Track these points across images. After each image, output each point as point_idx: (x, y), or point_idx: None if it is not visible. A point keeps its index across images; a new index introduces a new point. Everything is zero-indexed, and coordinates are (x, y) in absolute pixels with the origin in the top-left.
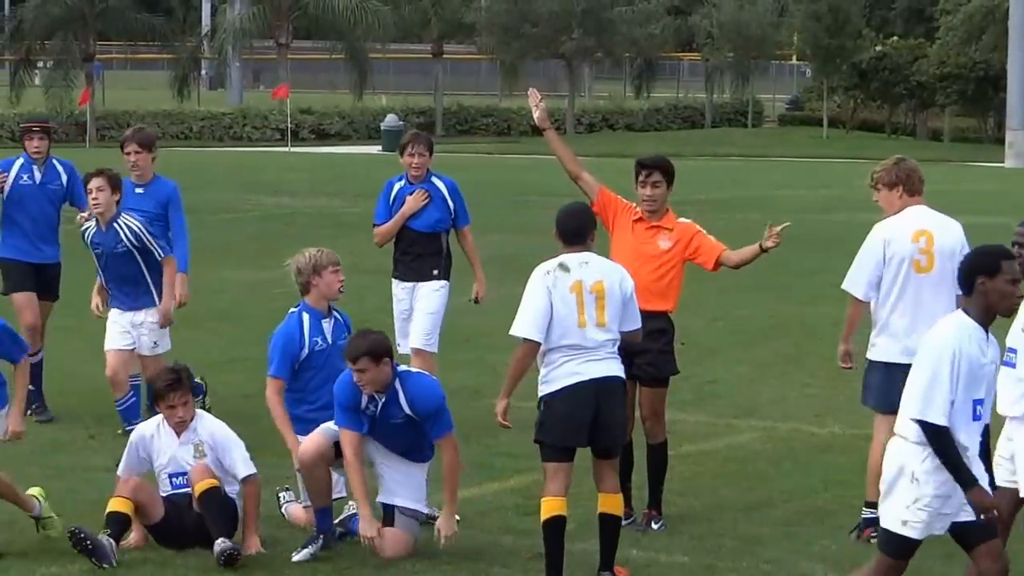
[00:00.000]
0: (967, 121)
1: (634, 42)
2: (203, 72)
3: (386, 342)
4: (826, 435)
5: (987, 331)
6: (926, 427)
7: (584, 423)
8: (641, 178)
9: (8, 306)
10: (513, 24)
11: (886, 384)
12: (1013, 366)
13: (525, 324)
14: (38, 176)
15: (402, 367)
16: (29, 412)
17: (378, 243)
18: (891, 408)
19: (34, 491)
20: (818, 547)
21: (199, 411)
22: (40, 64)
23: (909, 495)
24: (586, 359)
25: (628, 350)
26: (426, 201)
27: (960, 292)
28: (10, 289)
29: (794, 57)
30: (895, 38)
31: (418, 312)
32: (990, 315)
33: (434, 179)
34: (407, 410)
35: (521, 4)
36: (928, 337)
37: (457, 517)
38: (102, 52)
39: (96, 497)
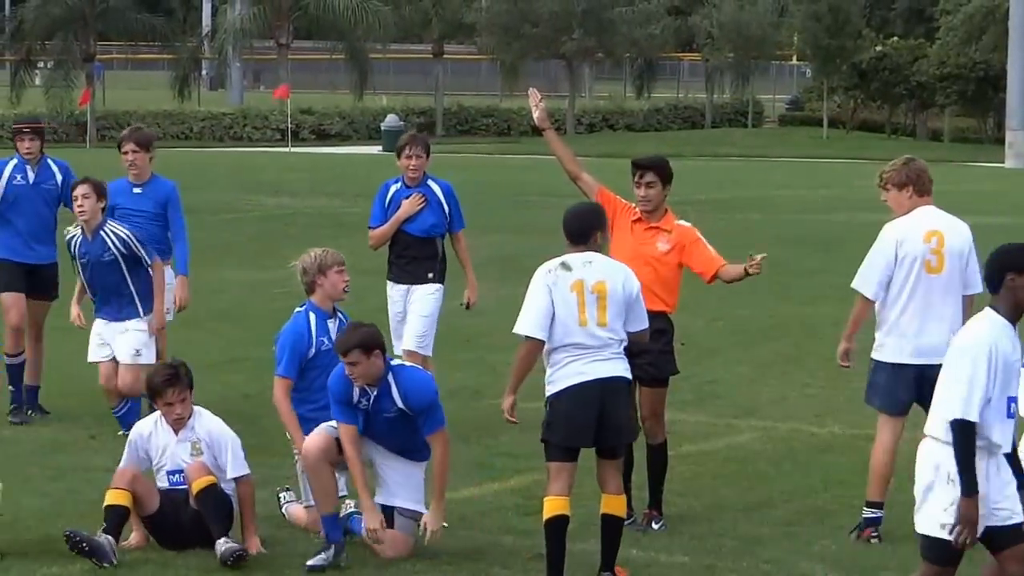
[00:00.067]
0: (967, 121)
1: (634, 42)
2: (204, 72)
3: (377, 335)
4: (826, 435)
5: (1015, 328)
6: (956, 424)
7: (589, 423)
8: (636, 178)
9: None
10: (513, 24)
11: (893, 385)
12: None
13: (526, 322)
14: (32, 176)
15: (395, 361)
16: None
17: (373, 246)
18: (897, 409)
19: None
20: (818, 547)
21: (197, 408)
22: (40, 64)
23: (947, 497)
24: (591, 359)
25: (629, 350)
26: (422, 205)
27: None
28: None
29: (794, 57)
30: (895, 38)
31: (412, 315)
32: (1019, 312)
33: (430, 182)
34: (400, 404)
35: (521, 4)
36: (960, 336)
37: (445, 524)
38: (102, 52)
39: (96, 497)
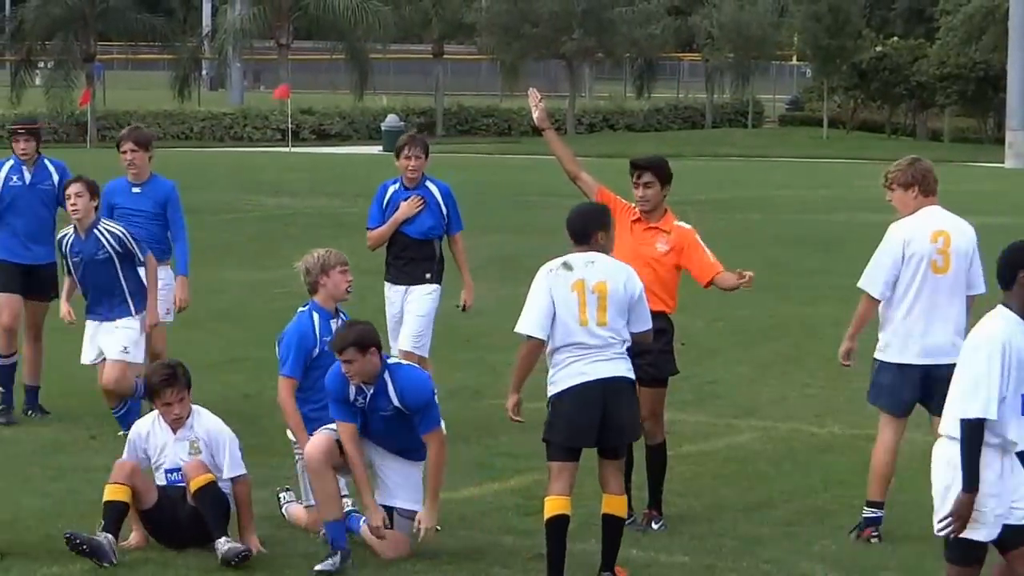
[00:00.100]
0: (967, 121)
1: (634, 42)
2: (204, 72)
3: (372, 333)
4: (826, 435)
5: None
6: (965, 421)
7: (592, 424)
8: (634, 179)
9: None
10: (513, 24)
11: (898, 385)
12: None
13: (527, 321)
14: (28, 177)
15: (392, 359)
16: None
17: (371, 247)
18: (902, 410)
19: None
20: (818, 547)
21: (196, 407)
22: (41, 64)
23: None
24: (593, 359)
25: (630, 350)
26: (420, 208)
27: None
28: None
29: (794, 57)
30: (895, 38)
31: (408, 315)
32: None
33: (428, 183)
34: (396, 402)
35: (521, 4)
36: (974, 334)
37: (439, 527)
38: (103, 52)
39: (97, 497)
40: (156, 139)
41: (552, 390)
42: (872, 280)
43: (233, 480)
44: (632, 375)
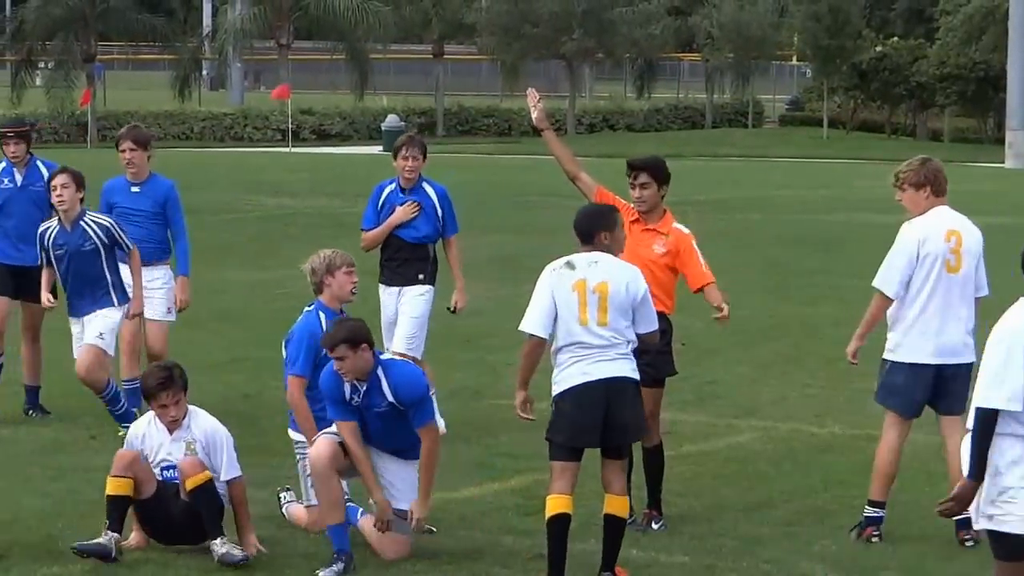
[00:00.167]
0: (967, 121)
1: (634, 43)
2: (204, 73)
3: (364, 329)
4: (826, 435)
5: None
6: (979, 410)
7: (594, 424)
8: (631, 179)
9: None
10: (514, 25)
11: (911, 385)
12: None
13: (529, 320)
14: (19, 179)
15: (386, 355)
16: None
17: (364, 248)
18: (913, 411)
19: None
20: (818, 547)
21: (192, 408)
22: (41, 65)
23: (994, 489)
24: (596, 359)
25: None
26: (415, 214)
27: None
28: None
29: (794, 58)
30: (895, 39)
31: (402, 316)
32: None
33: (425, 184)
34: (390, 397)
35: (521, 5)
36: (997, 327)
37: (433, 528)
38: (103, 53)
39: (97, 497)
40: (155, 139)
41: (555, 389)
42: (887, 280)
43: (229, 482)
44: (636, 375)
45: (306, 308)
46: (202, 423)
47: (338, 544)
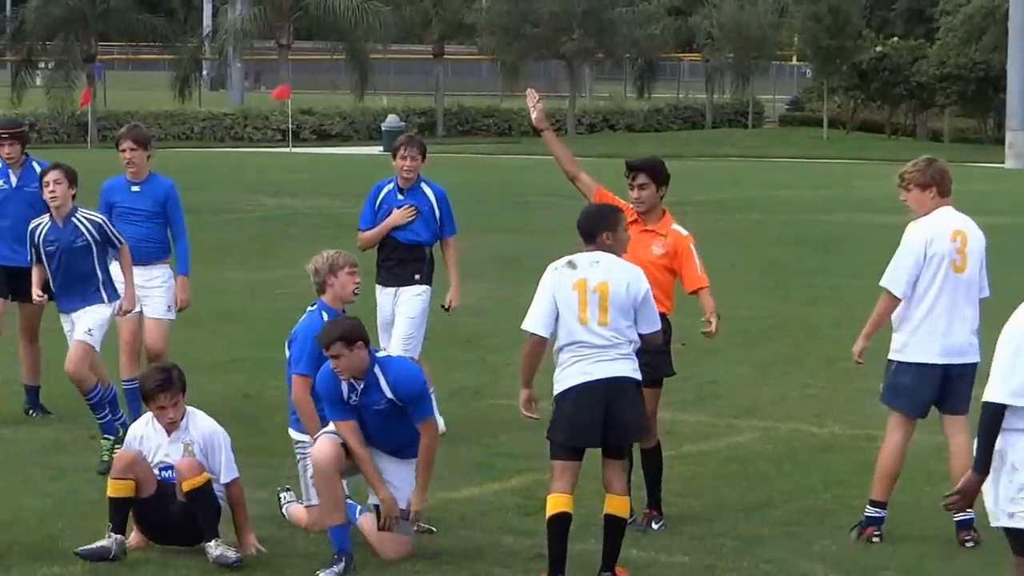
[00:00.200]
0: (967, 122)
1: (635, 43)
2: (204, 73)
3: (359, 327)
4: (826, 435)
5: None
6: (986, 404)
7: (594, 424)
8: (629, 180)
9: None
10: (514, 25)
11: (919, 386)
12: None
13: (530, 319)
14: (14, 180)
15: (382, 353)
16: None
17: (360, 248)
18: (920, 411)
19: None
20: (818, 547)
21: (190, 409)
22: (41, 65)
23: (1012, 487)
24: (596, 359)
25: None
26: (411, 218)
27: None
28: None
29: (794, 58)
30: (895, 39)
31: (399, 316)
32: None
33: (423, 185)
34: (389, 394)
35: (522, 5)
36: (1007, 325)
37: (433, 529)
38: (103, 53)
39: (97, 498)
40: (155, 139)
41: (556, 389)
42: (895, 279)
43: (227, 484)
44: (638, 375)
45: (309, 308)
46: (200, 425)
47: (339, 544)
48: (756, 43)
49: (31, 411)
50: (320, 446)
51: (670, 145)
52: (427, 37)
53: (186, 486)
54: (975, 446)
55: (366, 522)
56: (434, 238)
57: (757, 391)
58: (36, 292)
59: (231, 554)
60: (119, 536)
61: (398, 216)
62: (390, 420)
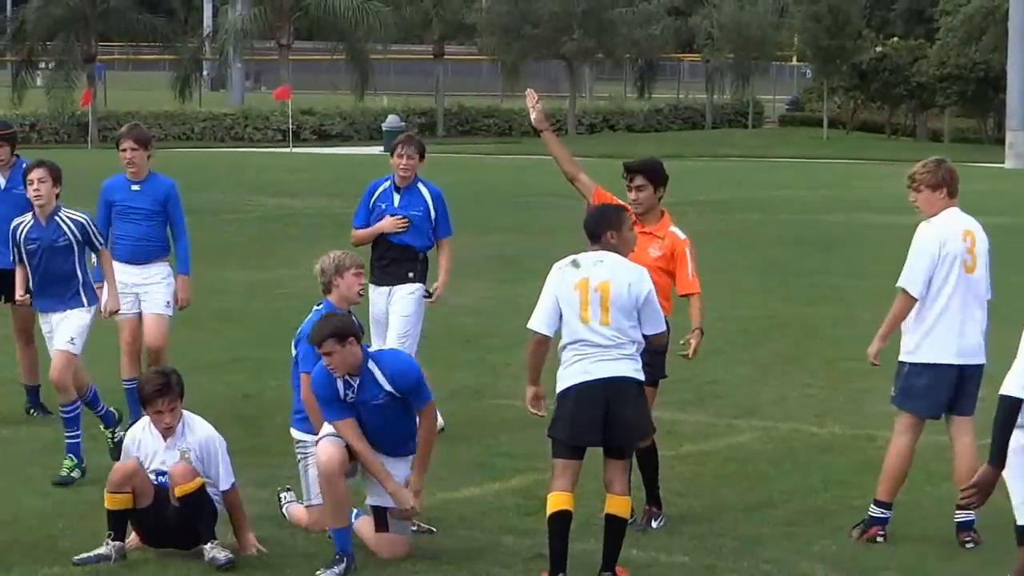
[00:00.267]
0: (967, 122)
1: (635, 43)
2: (205, 73)
3: (351, 323)
4: (826, 435)
5: None
6: (1002, 397)
7: (594, 423)
8: (627, 182)
9: None
10: (514, 25)
11: (935, 387)
12: None
13: (534, 318)
14: (3, 182)
15: (373, 347)
16: None
17: (353, 244)
18: (937, 412)
19: None
20: (818, 547)
21: (187, 416)
22: (42, 65)
23: None
24: (598, 359)
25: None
26: (402, 228)
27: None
28: None
29: (794, 58)
30: (895, 39)
31: (393, 316)
32: None
33: (420, 185)
34: (387, 387)
35: (522, 5)
36: None
37: (433, 529)
38: (104, 53)
39: (97, 498)
40: (155, 139)
41: (559, 387)
42: (913, 280)
43: (225, 491)
44: (640, 375)
45: (315, 307)
46: (197, 431)
47: (340, 545)
48: (756, 43)
49: (32, 411)
50: (324, 449)
51: (670, 145)
52: (427, 37)
53: (179, 491)
54: (991, 439)
55: (363, 524)
56: (428, 243)
57: (757, 391)
58: (19, 293)
59: (221, 555)
60: (118, 543)
61: (389, 225)
62: (387, 414)
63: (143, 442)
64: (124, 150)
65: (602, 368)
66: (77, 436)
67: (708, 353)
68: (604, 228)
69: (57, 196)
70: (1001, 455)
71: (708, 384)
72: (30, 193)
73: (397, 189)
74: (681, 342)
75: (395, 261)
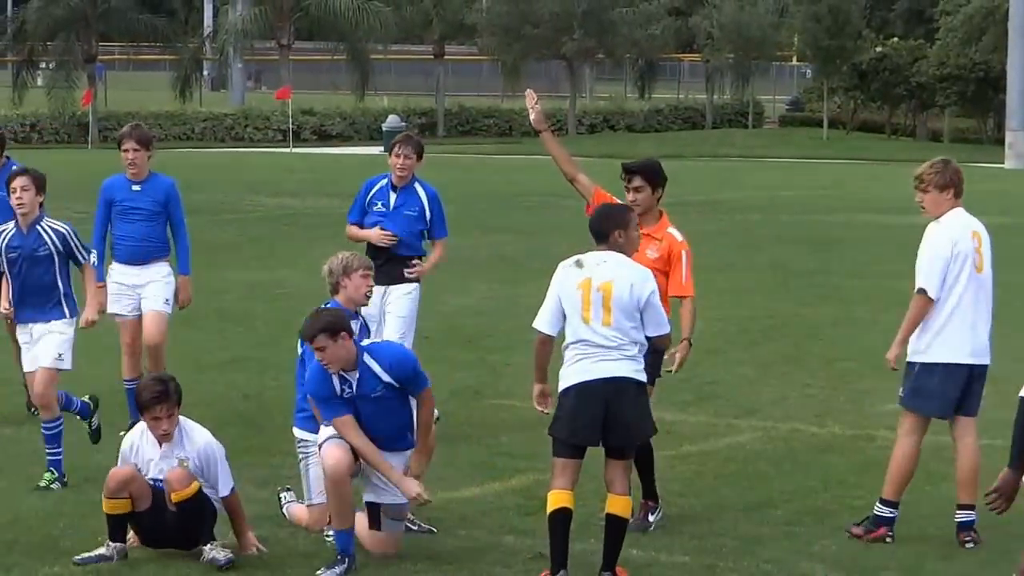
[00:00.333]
0: (967, 122)
1: (635, 43)
2: (205, 73)
3: (342, 318)
4: (826, 435)
5: None
6: (1021, 399)
7: (594, 422)
8: (625, 183)
9: None
10: (514, 25)
11: (947, 386)
12: None
13: (539, 317)
14: None
15: (365, 342)
16: None
17: (347, 238)
18: (948, 411)
19: None
20: (818, 547)
21: (187, 422)
22: (43, 65)
23: None
24: (600, 358)
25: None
26: (388, 246)
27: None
28: None
29: (794, 58)
30: (895, 39)
31: (389, 316)
32: None
33: (417, 185)
34: (386, 378)
35: (522, 5)
36: None
37: (434, 529)
38: (104, 53)
39: (98, 498)
40: (156, 139)
41: (560, 385)
42: (932, 282)
43: (224, 496)
44: (641, 376)
45: (323, 307)
46: (195, 439)
47: (342, 546)
48: (756, 43)
49: (33, 410)
50: (331, 452)
51: (670, 145)
52: (428, 37)
53: (175, 497)
54: (1011, 442)
55: (357, 520)
56: (418, 241)
57: (757, 391)
58: (3, 306)
59: (220, 556)
60: (119, 544)
61: (376, 236)
62: (386, 407)
63: (141, 448)
64: (126, 151)
65: (603, 368)
66: (59, 453)
67: (708, 353)
68: (612, 227)
69: (41, 205)
70: (1021, 457)
71: (708, 384)
72: (13, 201)
73: (394, 188)
74: (666, 356)
75: (391, 261)
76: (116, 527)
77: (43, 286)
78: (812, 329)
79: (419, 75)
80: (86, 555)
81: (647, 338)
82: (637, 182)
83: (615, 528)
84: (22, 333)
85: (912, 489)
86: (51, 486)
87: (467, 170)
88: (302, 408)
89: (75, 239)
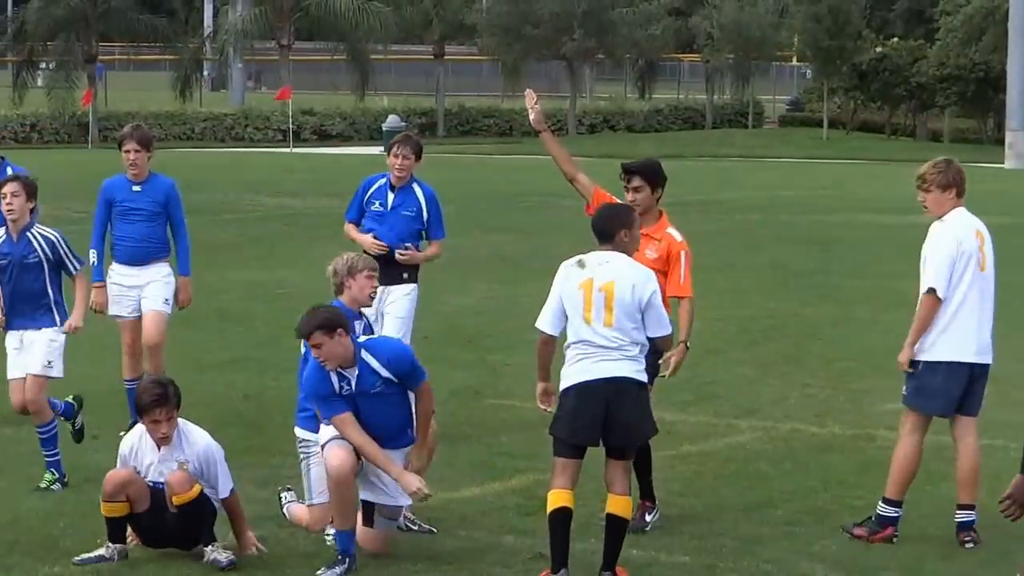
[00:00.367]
0: (967, 122)
1: (635, 43)
2: (205, 73)
3: (339, 315)
4: (826, 435)
5: None
6: None
7: (594, 422)
8: (624, 183)
9: None
10: (514, 25)
11: (950, 385)
12: None
13: (541, 317)
14: None
15: (362, 338)
16: None
17: (345, 236)
18: (951, 409)
19: None
20: (818, 547)
21: (186, 424)
22: (43, 65)
23: None
24: (600, 359)
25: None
26: (378, 252)
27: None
28: None
29: (794, 58)
30: (895, 39)
31: (388, 316)
32: None
33: (415, 185)
34: (385, 373)
35: (522, 5)
36: None
37: (434, 529)
38: (104, 53)
39: (98, 499)
40: (156, 139)
41: (561, 385)
42: (941, 282)
43: (224, 497)
44: (642, 377)
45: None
46: (194, 441)
47: (343, 546)
48: (756, 44)
49: None
50: (335, 453)
51: (670, 145)
52: (428, 38)
53: (177, 500)
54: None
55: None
56: (416, 241)
57: (757, 391)
58: None
59: (222, 557)
60: (119, 545)
61: (369, 244)
62: (384, 402)
63: (139, 451)
64: (127, 151)
65: (604, 368)
66: (56, 454)
67: (708, 353)
68: (617, 227)
69: (32, 211)
70: None
71: (708, 384)
72: (3, 208)
73: (392, 188)
74: (660, 360)
75: (390, 262)
76: (114, 529)
77: (33, 293)
78: (812, 329)
79: (419, 75)
80: (86, 556)
81: (648, 339)
82: (636, 182)
83: (615, 528)
84: (11, 338)
85: (912, 489)
86: (52, 487)
87: (467, 170)
88: (304, 408)
89: (64, 247)
